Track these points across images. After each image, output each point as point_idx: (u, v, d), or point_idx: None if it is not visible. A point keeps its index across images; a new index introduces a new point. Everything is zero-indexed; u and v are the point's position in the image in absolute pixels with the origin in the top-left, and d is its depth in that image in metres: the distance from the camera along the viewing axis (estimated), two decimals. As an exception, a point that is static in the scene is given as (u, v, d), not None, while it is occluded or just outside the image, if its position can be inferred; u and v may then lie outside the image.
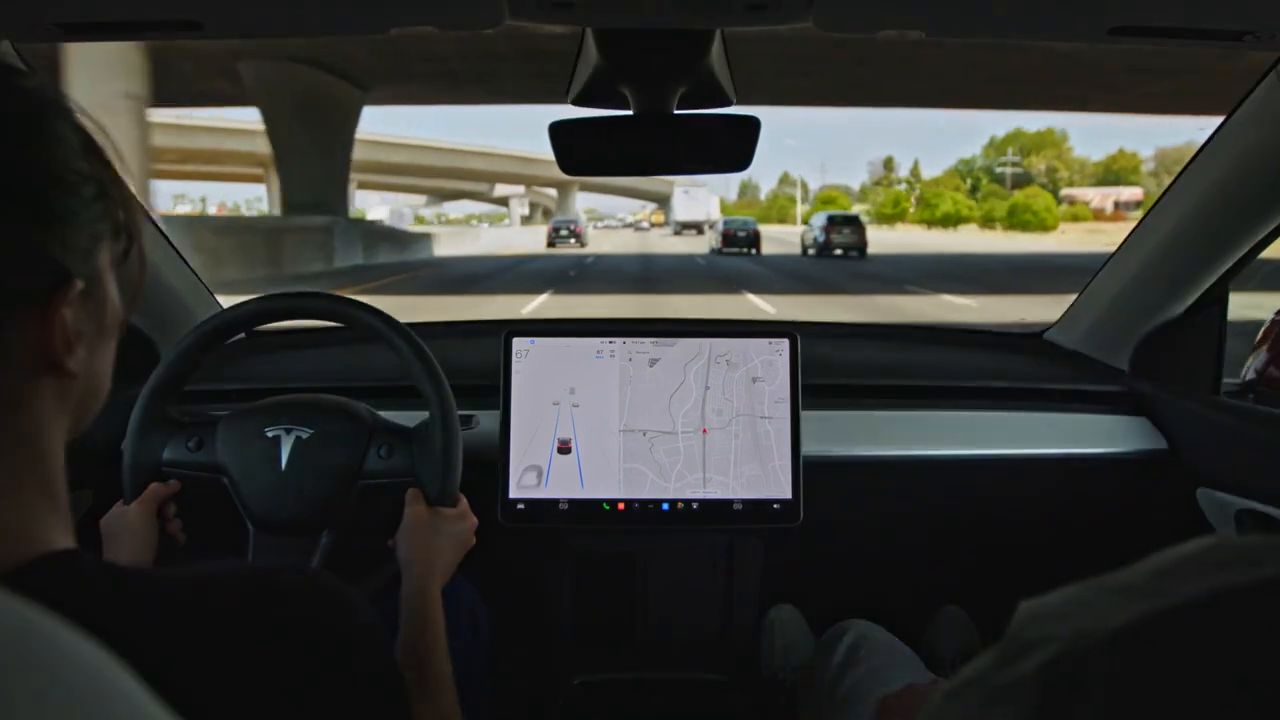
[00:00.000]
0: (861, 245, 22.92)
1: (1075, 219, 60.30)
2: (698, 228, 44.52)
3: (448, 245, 28.93)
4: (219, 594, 0.38)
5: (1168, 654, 0.24)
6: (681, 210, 47.00)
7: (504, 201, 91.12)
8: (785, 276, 16.82)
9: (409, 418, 0.99)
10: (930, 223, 64.13)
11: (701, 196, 47.90)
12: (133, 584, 0.38)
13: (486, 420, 1.18)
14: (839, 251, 22.82)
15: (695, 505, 1.13)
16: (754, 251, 25.07)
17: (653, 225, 73.74)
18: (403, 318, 0.99)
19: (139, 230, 0.46)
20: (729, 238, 25.43)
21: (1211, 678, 0.23)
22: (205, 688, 0.35)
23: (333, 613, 0.40)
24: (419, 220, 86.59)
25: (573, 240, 28.87)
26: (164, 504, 0.92)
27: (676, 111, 0.93)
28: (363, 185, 65.73)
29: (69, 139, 0.40)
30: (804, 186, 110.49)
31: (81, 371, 0.41)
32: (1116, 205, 66.43)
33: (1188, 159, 1.11)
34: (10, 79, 0.39)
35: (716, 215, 44.77)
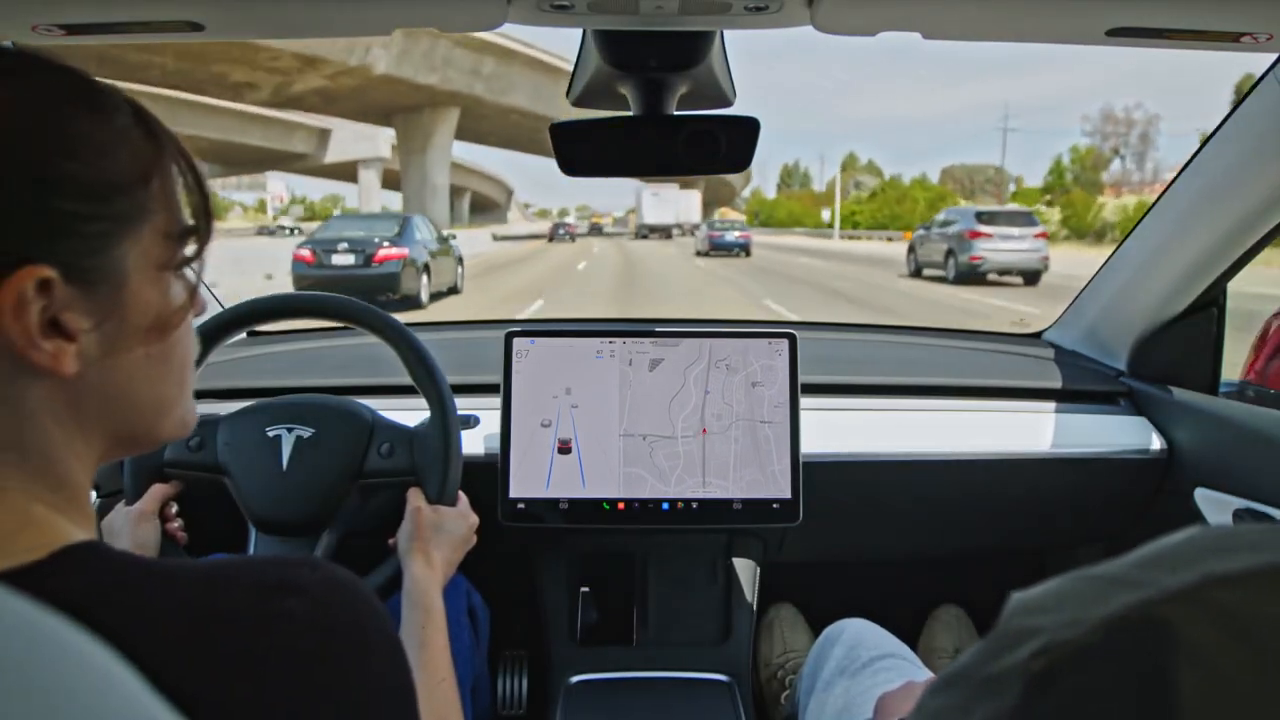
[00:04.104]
0: (1038, 266, 13.25)
1: None
2: (666, 232, 41.15)
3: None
4: (233, 586, 0.38)
5: (1154, 641, 0.24)
6: (649, 212, 42.91)
7: (351, 173, 48.93)
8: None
9: (410, 417, 1.00)
10: None
11: (672, 197, 43.26)
12: (151, 576, 0.38)
13: (487, 420, 1.18)
14: (994, 275, 13.49)
15: (695, 504, 1.13)
16: (745, 255, 23.66)
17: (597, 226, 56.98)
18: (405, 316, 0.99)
19: (206, 237, 0.46)
20: (715, 241, 24.10)
21: (1197, 664, 0.24)
22: (226, 681, 0.35)
23: (346, 605, 0.40)
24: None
25: (568, 238, 37.07)
26: (165, 504, 0.93)
27: (676, 112, 0.93)
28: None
29: (87, 137, 0.40)
30: (875, 170, 76.02)
31: (85, 374, 0.41)
32: None
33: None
34: (16, 75, 0.40)
35: (695, 218, 41.49)
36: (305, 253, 10.41)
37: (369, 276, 9.80)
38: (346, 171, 49.81)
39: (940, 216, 15.75)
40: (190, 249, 0.45)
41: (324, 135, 44.66)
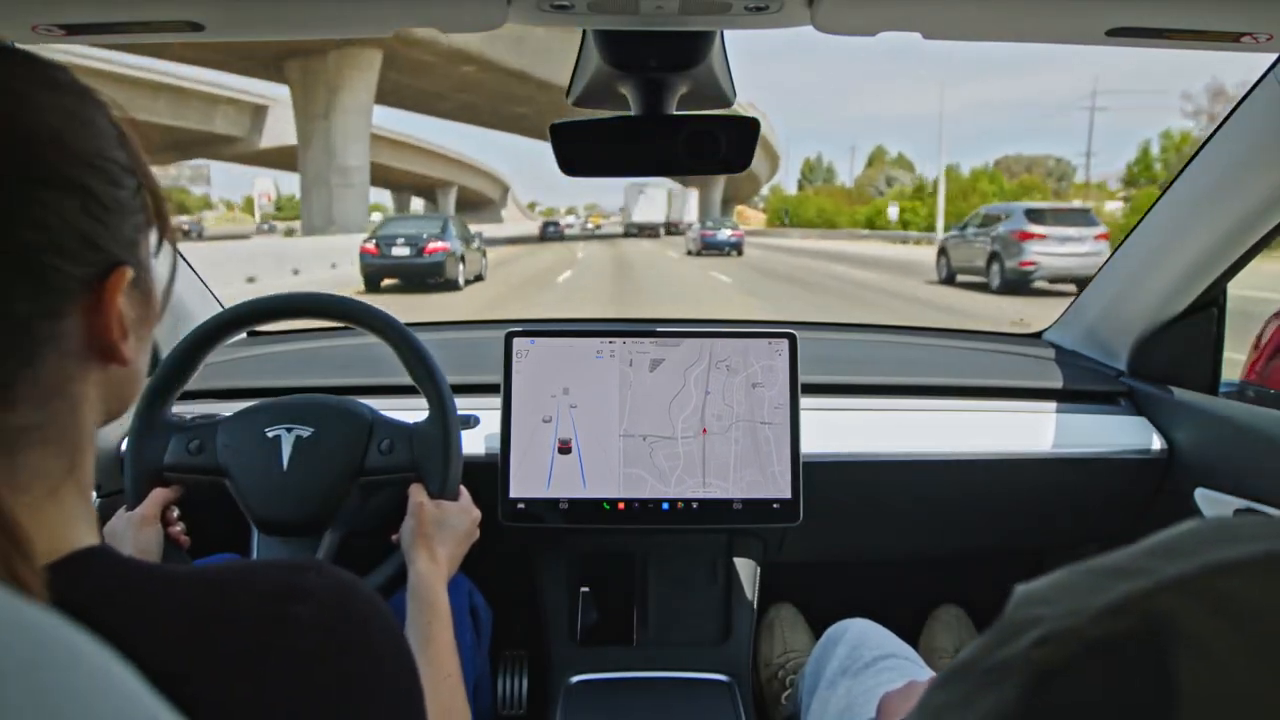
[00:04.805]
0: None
1: None
2: (654, 231, 41.13)
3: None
4: (239, 591, 0.38)
5: (1153, 629, 0.24)
6: (637, 211, 42.98)
7: (294, 160, 30.72)
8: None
9: (410, 417, 1.00)
10: None
11: (660, 197, 43.19)
12: (157, 580, 0.38)
13: (487, 420, 1.18)
14: (1044, 283, 11.46)
15: (695, 505, 1.13)
16: (738, 254, 23.43)
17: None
18: (405, 316, 1.00)
19: (169, 221, 0.47)
20: (708, 240, 23.99)
21: (1196, 652, 0.24)
22: (229, 685, 0.35)
23: (352, 610, 0.40)
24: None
25: (557, 236, 38.07)
26: (166, 508, 0.93)
27: (676, 112, 0.93)
28: None
29: (108, 131, 0.41)
30: (907, 164, 69.26)
31: (132, 359, 0.42)
32: None
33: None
34: (53, 73, 0.40)
35: (692, 218, 41.05)
36: (371, 246, 12.93)
37: (421, 264, 12.51)
38: (289, 159, 36.26)
39: (981, 213, 13.55)
40: (156, 235, 0.47)
41: (258, 112, 33.06)
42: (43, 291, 0.37)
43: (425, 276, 12.57)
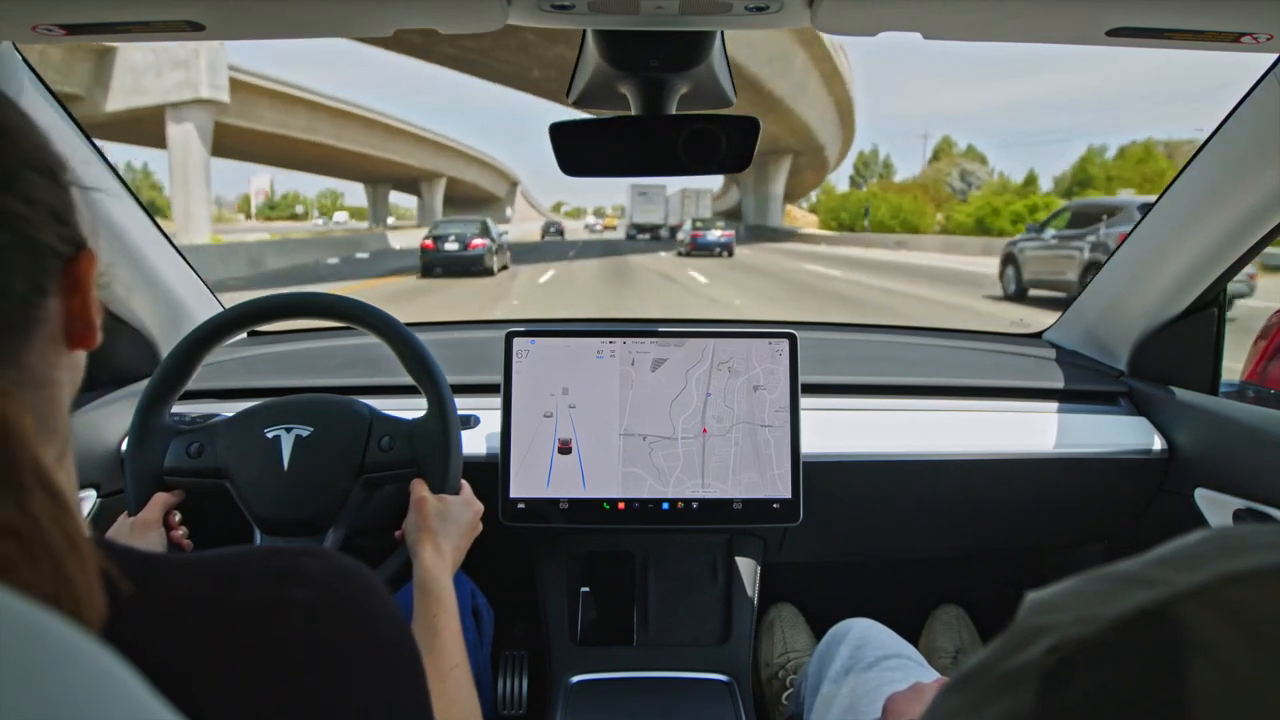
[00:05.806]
0: (1239, 289, 7.74)
1: None
2: (653, 231, 40.46)
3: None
4: (239, 576, 0.39)
5: (1167, 638, 0.24)
6: (638, 213, 42.34)
7: (157, 131, 24.15)
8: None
9: (411, 416, 1.00)
10: None
11: (659, 198, 42.44)
12: (155, 569, 0.38)
13: (487, 420, 1.18)
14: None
15: (695, 504, 1.13)
16: (728, 255, 23.26)
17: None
18: (404, 316, 1.00)
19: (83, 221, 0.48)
20: (699, 240, 23.82)
21: (1210, 661, 0.24)
22: (229, 669, 0.36)
23: (351, 591, 0.41)
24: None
25: (559, 235, 42.17)
26: (168, 512, 0.93)
27: (676, 112, 0.93)
28: None
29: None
30: (979, 157, 61.18)
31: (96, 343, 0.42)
32: None
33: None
34: None
35: (704, 215, 40.21)
36: (429, 242, 16.72)
37: (466, 256, 16.48)
38: (148, 127, 25.83)
39: (1070, 210, 10.84)
40: None
41: (101, 59, 22.63)
42: (35, 267, 0.37)
43: (469, 266, 16.53)
